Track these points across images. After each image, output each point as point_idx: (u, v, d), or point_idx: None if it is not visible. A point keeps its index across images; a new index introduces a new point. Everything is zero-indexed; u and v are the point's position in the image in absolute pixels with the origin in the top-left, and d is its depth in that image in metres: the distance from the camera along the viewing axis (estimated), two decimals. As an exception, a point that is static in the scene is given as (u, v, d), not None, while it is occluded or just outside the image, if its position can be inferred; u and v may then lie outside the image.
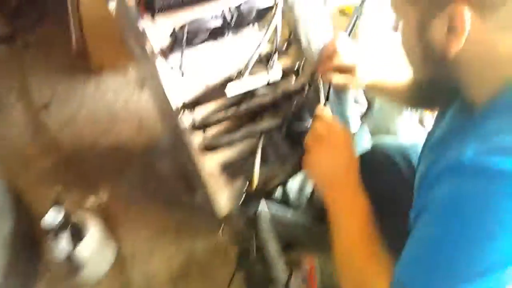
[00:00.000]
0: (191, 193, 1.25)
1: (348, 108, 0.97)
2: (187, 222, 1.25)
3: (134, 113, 1.50)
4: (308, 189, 1.10)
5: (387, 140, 1.12)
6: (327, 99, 0.91)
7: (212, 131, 0.88)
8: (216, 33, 0.86)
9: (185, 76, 0.87)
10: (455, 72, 0.57)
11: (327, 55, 0.84)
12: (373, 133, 1.12)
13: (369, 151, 0.98)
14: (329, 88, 0.86)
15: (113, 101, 1.58)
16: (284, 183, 0.97)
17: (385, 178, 0.98)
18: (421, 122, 1.33)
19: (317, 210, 1.30)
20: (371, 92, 0.98)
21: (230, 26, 0.86)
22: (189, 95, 0.88)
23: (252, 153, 0.91)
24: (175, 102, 0.86)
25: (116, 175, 1.36)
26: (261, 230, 1.04)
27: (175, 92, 0.86)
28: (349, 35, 0.91)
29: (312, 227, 1.26)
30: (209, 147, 0.85)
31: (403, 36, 0.62)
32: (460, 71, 0.57)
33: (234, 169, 0.93)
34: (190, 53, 0.88)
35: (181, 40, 0.78)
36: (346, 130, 0.72)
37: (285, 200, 1.05)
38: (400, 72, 0.96)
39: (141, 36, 0.84)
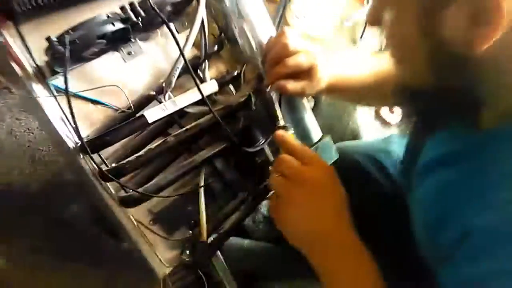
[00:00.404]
0: (117, 242, 0.99)
1: (305, 117, 0.78)
2: (117, 280, 0.99)
3: (23, 144, 1.17)
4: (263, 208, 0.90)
5: (350, 145, 0.96)
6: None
7: (131, 177, 0.64)
8: (117, 40, 0.61)
9: (78, 103, 0.61)
10: (477, 78, 0.41)
11: (275, 57, 0.64)
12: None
13: (340, 161, 0.81)
14: (279, 97, 0.66)
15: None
16: (241, 220, 0.76)
17: (359, 192, 0.82)
18: (377, 114, 1.20)
19: (277, 230, 1.12)
20: (331, 95, 0.80)
21: (136, 29, 0.62)
22: (90, 129, 0.63)
23: (193, 192, 0.69)
24: (70, 140, 0.60)
25: (12, 231, 1.04)
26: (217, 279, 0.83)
27: (65, 126, 0.60)
28: (277, 27, 0.72)
29: (274, 252, 1.08)
30: (130, 202, 0.61)
31: (395, 32, 0.44)
32: (485, 76, 0.40)
33: (171, 217, 0.70)
34: (84, 70, 0.62)
35: (62, 54, 0.52)
36: (324, 164, 0.54)
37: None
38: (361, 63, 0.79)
39: (3, 54, 0.57)
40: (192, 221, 0.73)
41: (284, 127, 0.62)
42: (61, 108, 0.60)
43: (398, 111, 1.24)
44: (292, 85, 0.64)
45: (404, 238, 0.81)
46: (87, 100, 0.63)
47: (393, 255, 0.81)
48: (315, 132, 0.80)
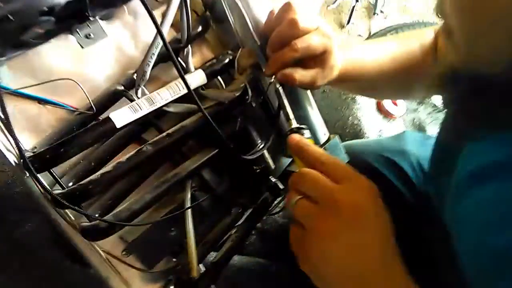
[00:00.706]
0: (83, 268, 0.84)
1: (311, 114, 0.65)
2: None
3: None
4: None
5: (356, 144, 0.84)
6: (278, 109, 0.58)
7: (98, 200, 0.50)
8: (69, 18, 0.46)
9: (20, 103, 0.46)
10: None
11: (280, 37, 0.50)
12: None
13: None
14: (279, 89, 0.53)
15: None
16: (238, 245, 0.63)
17: None
18: (379, 107, 1.08)
19: (271, 244, 0.99)
20: (341, 86, 0.67)
21: (96, 3, 0.47)
22: (38, 138, 0.48)
23: (176, 211, 0.55)
24: (12, 154, 0.45)
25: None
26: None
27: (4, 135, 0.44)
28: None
29: (269, 269, 0.95)
30: (96, 233, 0.46)
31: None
32: None
33: (150, 245, 0.56)
34: (26, 59, 0.47)
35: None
36: (365, 181, 0.41)
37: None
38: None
39: None
40: (177, 246, 0.59)
41: (298, 130, 0.48)
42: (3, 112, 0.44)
43: (402, 103, 1.13)
44: (300, 75, 0.51)
45: (427, 253, 0.71)
46: (33, 99, 0.48)
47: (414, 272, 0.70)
48: (321, 133, 0.67)
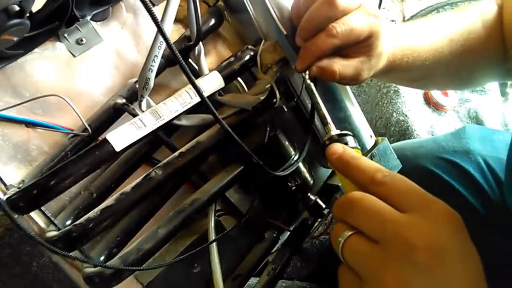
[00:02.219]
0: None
1: (353, 115, 0.56)
2: None
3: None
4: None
5: (407, 146, 0.74)
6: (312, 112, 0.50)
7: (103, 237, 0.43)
8: (54, 20, 0.39)
9: (4, 127, 0.40)
10: None
11: (314, 21, 0.42)
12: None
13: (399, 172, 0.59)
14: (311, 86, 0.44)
15: None
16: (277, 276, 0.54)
17: None
18: (427, 98, 0.97)
19: (312, 264, 0.90)
20: (388, 78, 0.58)
21: (85, 1, 0.40)
22: (27, 169, 0.41)
23: (198, 244, 0.47)
24: None
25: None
26: None
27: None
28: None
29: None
30: (102, 282, 0.39)
31: None
32: None
33: (171, 286, 0.48)
34: (6, 75, 0.40)
35: None
36: (445, 207, 0.31)
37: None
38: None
39: None
40: (203, 285, 0.51)
41: (340, 138, 0.39)
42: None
43: (453, 93, 1.02)
44: (342, 66, 0.42)
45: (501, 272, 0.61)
46: (18, 123, 0.41)
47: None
48: (366, 136, 0.58)
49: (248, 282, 0.55)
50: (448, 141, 0.68)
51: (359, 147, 0.40)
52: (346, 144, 0.39)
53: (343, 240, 0.32)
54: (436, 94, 0.98)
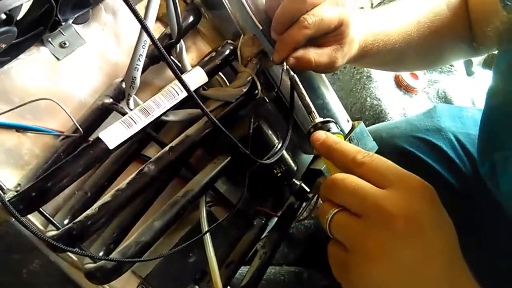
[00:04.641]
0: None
1: (329, 101, 0.59)
2: None
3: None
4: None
5: (383, 127, 0.78)
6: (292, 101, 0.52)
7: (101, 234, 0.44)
8: (37, 25, 0.40)
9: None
10: None
11: (286, 15, 0.44)
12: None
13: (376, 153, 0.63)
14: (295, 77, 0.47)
15: None
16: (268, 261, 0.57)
17: None
18: (398, 81, 1.01)
19: (299, 249, 0.93)
20: (361, 62, 0.61)
21: (65, 3, 0.41)
22: (22, 173, 0.42)
23: (191, 234, 0.49)
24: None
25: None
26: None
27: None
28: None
29: (299, 277, 0.89)
30: (102, 276, 0.41)
31: None
32: None
33: (167, 278, 0.50)
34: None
35: None
36: (419, 181, 0.34)
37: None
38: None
39: None
40: (198, 274, 0.53)
41: (323, 125, 0.42)
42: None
43: (422, 75, 1.06)
44: (316, 55, 0.45)
45: (484, 247, 0.65)
46: (9, 128, 0.42)
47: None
48: (343, 120, 0.61)
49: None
50: (420, 121, 0.72)
51: (341, 132, 0.43)
52: (329, 130, 0.42)
53: (330, 217, 0.35)
54: (406, 77, 1.03)
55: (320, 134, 0.40)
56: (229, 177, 0.58)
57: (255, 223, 0.59)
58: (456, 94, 1.06)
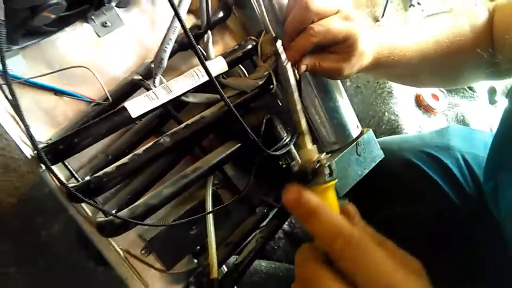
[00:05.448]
0: (106, 266, 0.84)
1: (341, 106, 0.62)
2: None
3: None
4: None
5: (393, 140, 0.80)
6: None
7: (112, 194, 0.49)
8: (83, 2, 0.45)
9: (36, 94, 0.46)
10: None
11: (295, 22, 0.48)
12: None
13: (382, 161, 0.65)
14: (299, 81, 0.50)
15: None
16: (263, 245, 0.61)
17: (417, 199, 0.67)
18: (419, 101, 1.03)
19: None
20: (376, 74, 0.64)
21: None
22: (54, 130, 0.48)
23: (196, 209, 0.53)
24: (28, 146, 0.45)
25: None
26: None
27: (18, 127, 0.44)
28: None
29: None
30: (111, 229, 0.45)
31: None
32: None
33: (170, 244, 0.54)
34: (41, 48, 0.47)
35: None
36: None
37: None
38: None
39: None
40: (198, 247, 0.57)
41: (311, 169, 0.36)
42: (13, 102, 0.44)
43: (443, 97, 1.08)
44: (323, 62, 0.48)
45: (473, 258, 0.67)
46: (49, 91, 0.48)
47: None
48: (353, 126, 0.64)
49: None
50: (431, 138, 0.74)
51: (333, 177, 0.37)
52: (323, 174, 0.36)
53: None
54: (427, 97, 1.04)
55: (293, 193, 0.33)
56: (237, 164, 0.61)
57: (257, 211, 0.63)
58: (475, 119, 1.07)
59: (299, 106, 0.46)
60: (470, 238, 0.67)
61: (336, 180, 0.36)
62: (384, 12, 1.42)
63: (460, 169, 0.70)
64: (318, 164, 0.35)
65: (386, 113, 0.95)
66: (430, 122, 1.03)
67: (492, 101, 1.16)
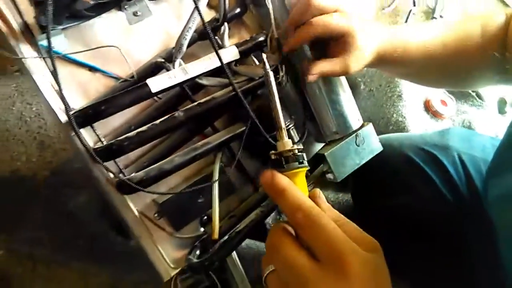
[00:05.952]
0: (125, 239, 0.92)
1: (342, 99, 0.67)
2: (124, 281, 0.91)
3: (33, 130, 1.11)
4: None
5: (395, 137, 0.84)
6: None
7: (132, 158, 0.56)
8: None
9: (73, 69, 0.54)
10: None
11: (296, 17, 0.54)
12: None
13: (382, 155, 0.69)
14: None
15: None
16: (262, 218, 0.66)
17: (413, 193, 0.71)
18: (428, 106, 1.07)
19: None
20: (382, 70, 0.68)
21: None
22: (86, 101, 0.55)
23: (204, 180, 0.60)
24: (62, 112, 0.53)
25: (14, 220, 0.99)
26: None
27: (56, 95, 0.52)
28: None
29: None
30: (127, 187, 0.52)
31: None
32: None
33: (179, 210, 0.61)
34: (80, 30, 0.54)
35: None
36: (360, 263, 0.33)
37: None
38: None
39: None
40: (205, 217, 0.64)
41: (284, 155, 0.41)
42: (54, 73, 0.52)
43: (452, 103, 1.10)
44: (329, 65, 0.54)
45: (462, 254, 0.69)
46: (84, 67, 0.56)
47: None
48: (354, 118, 0.69)
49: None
50: (432, 137, 0.77)
51: (306, 165, 0.41)
52: (296, 160, 0.40)
53: (266, 274, 0.38)
54: (435, 103, 1.07)
55: (267, 175, 0.39)
56: (245, 146, 0.67)
57: (259, 190, 0.68)
58: (481, 127, 1.09)
59: (278, 105, 0.50)
60: (460, 235, 0.70)
61: (307, 168, 0.41)
62: (406, 21, 1.44)
63: (455, 168, 0.73)
64: (291, 153, 0.41)
65: (395, 115, 0.99)
66: (436, 126, 1.06)
67: (501, 111, 1.18)
